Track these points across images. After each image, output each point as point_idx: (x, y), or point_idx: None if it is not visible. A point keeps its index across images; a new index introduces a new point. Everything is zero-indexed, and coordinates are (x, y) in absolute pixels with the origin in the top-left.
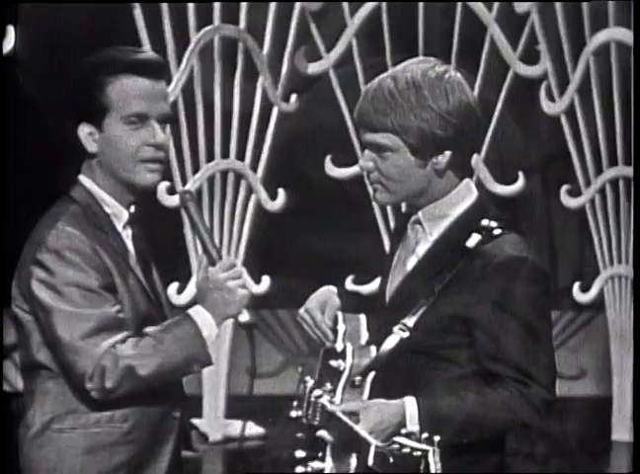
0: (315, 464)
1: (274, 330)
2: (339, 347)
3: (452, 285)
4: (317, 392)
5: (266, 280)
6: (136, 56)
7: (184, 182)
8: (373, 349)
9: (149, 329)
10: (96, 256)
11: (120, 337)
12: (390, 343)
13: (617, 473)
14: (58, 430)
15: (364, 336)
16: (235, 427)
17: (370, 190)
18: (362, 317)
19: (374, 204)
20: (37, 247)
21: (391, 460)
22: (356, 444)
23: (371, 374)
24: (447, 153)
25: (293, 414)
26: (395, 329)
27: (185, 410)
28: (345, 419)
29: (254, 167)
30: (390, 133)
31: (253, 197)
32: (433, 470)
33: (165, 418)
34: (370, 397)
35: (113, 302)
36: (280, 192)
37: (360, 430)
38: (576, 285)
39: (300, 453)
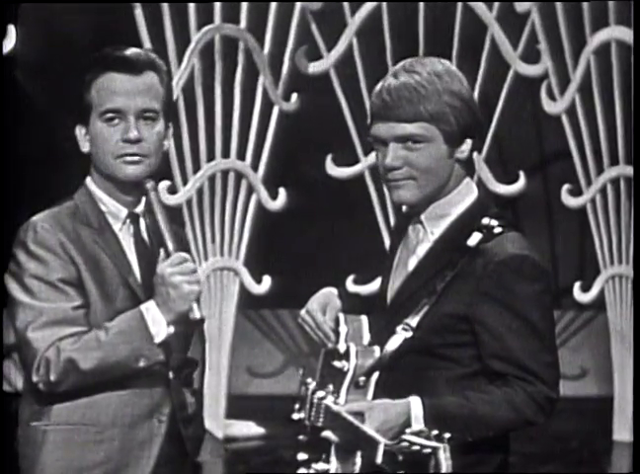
0: (320, 466)
1: (274, 330)
2: (341, 348)
3: (454, 284)
4: (320, 393)
5: (266, 280)
6: (118, 53)
7: (184, 181)
8: (377, 349)
9: (104, 324)
10: (61, 250)
11: (68, 331)
12: (394, 343)
13: (618, 473)
14: (36, 427)
15: (366, 337)
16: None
17: (386, 189)
18: (364, 318)
19: (375, 204)
20: (15, 241)
21: (400, 458)
22: (361, 444)
23: (375, 375)
24: (469, 142)
25: (295, 416)
26: (398, 329)
27: (180, 416)
28: (351, 419)
29: (255, 166)
30: (425, 122)
31: (254, 197)
32: (443, 467)
33: (145, 420)
34: (374, 397)
35: (72, 297)
36: (281, 191)
37: (368, 429)
38: (577, 285)
39: (303, 455)
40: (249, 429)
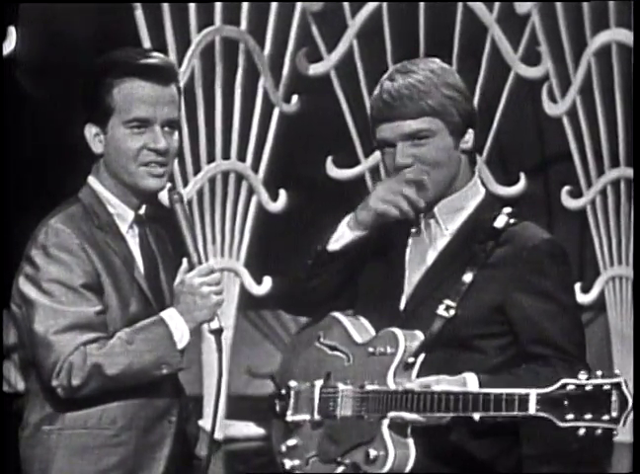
0: (372, 452)
1: (274, 330)
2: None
3: (486, 271)
4: (343, 386)
5: (267, 281)
6: (145, 60)
7: (185, 183)
8: (419, 333)
9: (123, 330)
10: (84, 254)
11: (92, 336)
12: (436, 325)
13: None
14: (48, 431)
15: (369, 333)
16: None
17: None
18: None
19: None
20: (30, 243)
21: (566, 402)
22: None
23: (422, 355)
24: (471, 131)
25: (290, 417)
26: (440, 309)
27: (184, 415)
28: (441, 382)
29: (255, 168)
30: (429, 117)
31: (254, 199)
32: (630, 399)
33: (158, 422)
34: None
35: (93, 302)
36: (282, 193)
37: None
38: (577, 286)
39: (289, 462)
40: (249, 429)
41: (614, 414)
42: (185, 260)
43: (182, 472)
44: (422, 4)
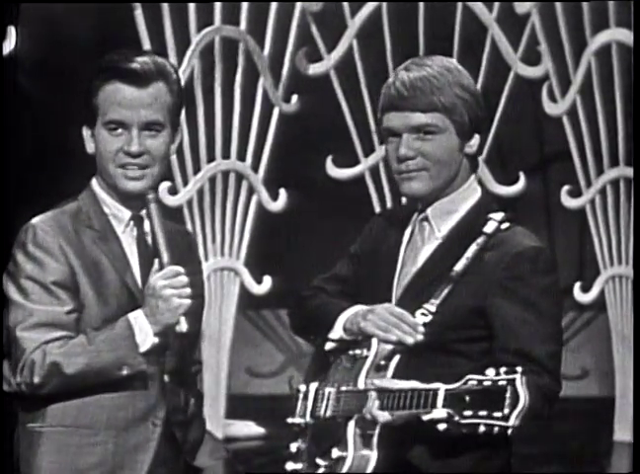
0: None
1: (274, 330)
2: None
3: (470, 275)
4: (329, 389)
5: (267, 281)
6: (126, 63)
7: (185, 182)
8: None
9: (91, 329)
10: (60, 253)
11: (57, 335)
12: None
13: (618, 473)
14: (31, 428)
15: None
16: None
17: (386, 184)
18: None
19: (375, 205)
20: (15, 242)
21: (467, 398)
22: (410, 405)
23: (396, 357)
24: (477, 136)
25: (292, 420)
26: (417, 314)
27: (175, 418)
28: (396, 383)
29: (255, 168)
30: (438, 113)
31: (254, 198)
32: (522, 397)
33: (140, 424)
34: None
35: (64, 301)
36: (282, 192)
37: (420, 384)
38: (577, 286)
39: (292, 465)
40: (249, 429)
41: (506, 411)
42: (156, 261)
43: None
44: (422, 4)
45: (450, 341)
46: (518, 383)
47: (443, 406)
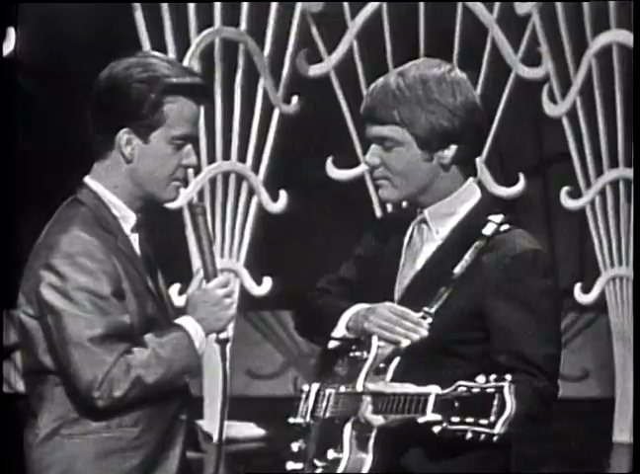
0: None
1: (275, 331)
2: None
3: (469, 276)
4: (329, 390)
5: (267, 282)
6: (192, 80)
7: (185, 183)
8: None
9: (147, 337)
10: (108, 262)
11: (126, 346)
12: None
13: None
14: (68, 435)
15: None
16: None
17: (373, 188)
18: None
19: (375, 206)
20: (48, 251)
21: (456, 404)
22: (402, 409)
23: (396, 360)
24: (453, 147)
25: (293, 420)
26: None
27: (191, 413)
28: (391, 386)
29: (255, 169)
30: (397, 126)
31: (254, 199)
32: (509, 406)
33: (173, 421)
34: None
35: (121, 310)
36: (282, 193)
37: (414, 387)
38: (577, 287)
39: (292, 465)
40: (249, 430)
41: (492, 418)
42: (201, 270)
43: (185, 470)
44: (422, 5)
45: (450, 343)
46: (505, 391)
47: (433, 411)
